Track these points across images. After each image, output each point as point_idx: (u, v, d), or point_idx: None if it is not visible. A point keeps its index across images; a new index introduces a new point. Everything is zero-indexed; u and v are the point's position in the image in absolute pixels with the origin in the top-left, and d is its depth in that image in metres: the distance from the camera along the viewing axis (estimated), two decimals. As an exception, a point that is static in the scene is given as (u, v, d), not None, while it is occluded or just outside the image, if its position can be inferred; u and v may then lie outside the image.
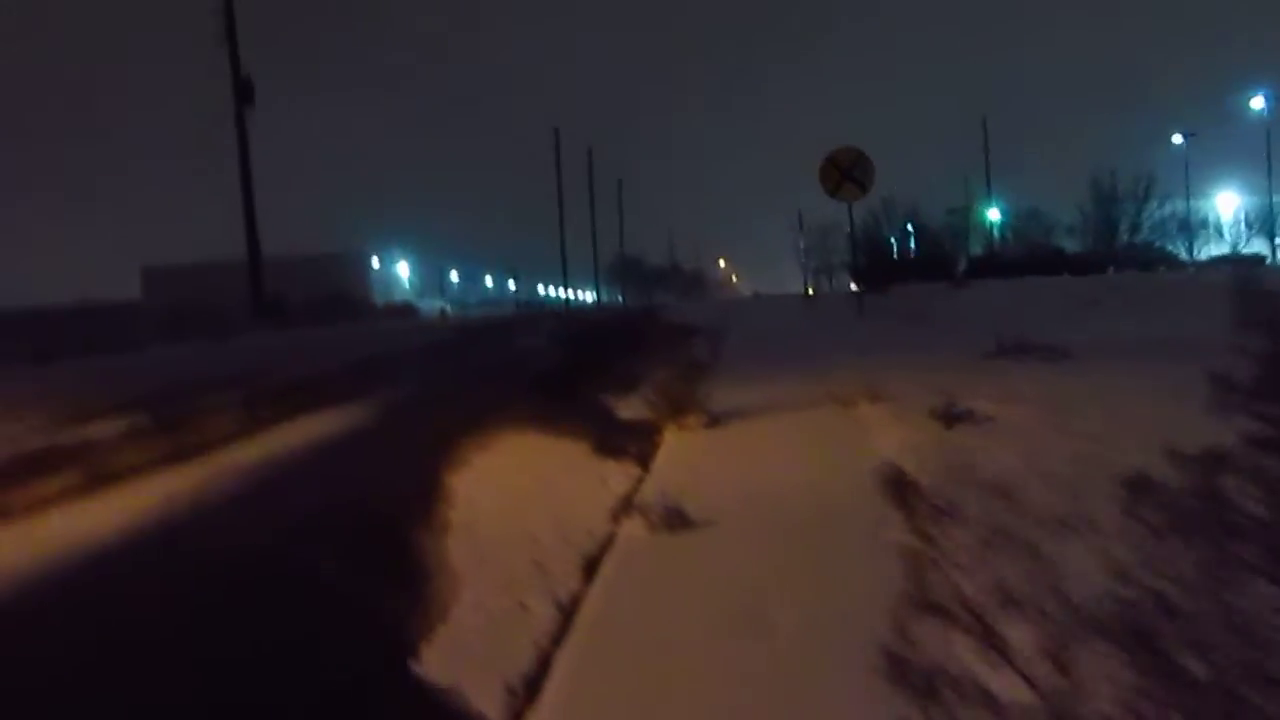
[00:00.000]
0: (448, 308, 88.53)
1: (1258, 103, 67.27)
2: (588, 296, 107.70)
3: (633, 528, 6.14)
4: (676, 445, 8.80)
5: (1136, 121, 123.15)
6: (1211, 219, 75.69)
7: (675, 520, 6.01)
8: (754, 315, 28.03)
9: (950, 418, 7.92)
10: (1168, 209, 68.49)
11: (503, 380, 15.09)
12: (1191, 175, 72.20)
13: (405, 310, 59.44)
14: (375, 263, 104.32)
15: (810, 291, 51.59)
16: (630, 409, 11.01)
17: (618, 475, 8.35)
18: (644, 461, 8.67)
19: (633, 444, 9.49)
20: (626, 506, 6.89)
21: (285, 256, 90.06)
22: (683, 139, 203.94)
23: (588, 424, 10.67)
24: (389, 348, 20.97)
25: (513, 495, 7.90)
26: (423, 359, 18.63)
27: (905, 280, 36.62)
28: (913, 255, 68.77)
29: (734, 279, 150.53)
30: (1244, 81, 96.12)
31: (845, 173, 19.73)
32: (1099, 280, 31.01)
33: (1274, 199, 68.90)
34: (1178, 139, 75.13)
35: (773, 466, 7.48)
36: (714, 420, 9.38)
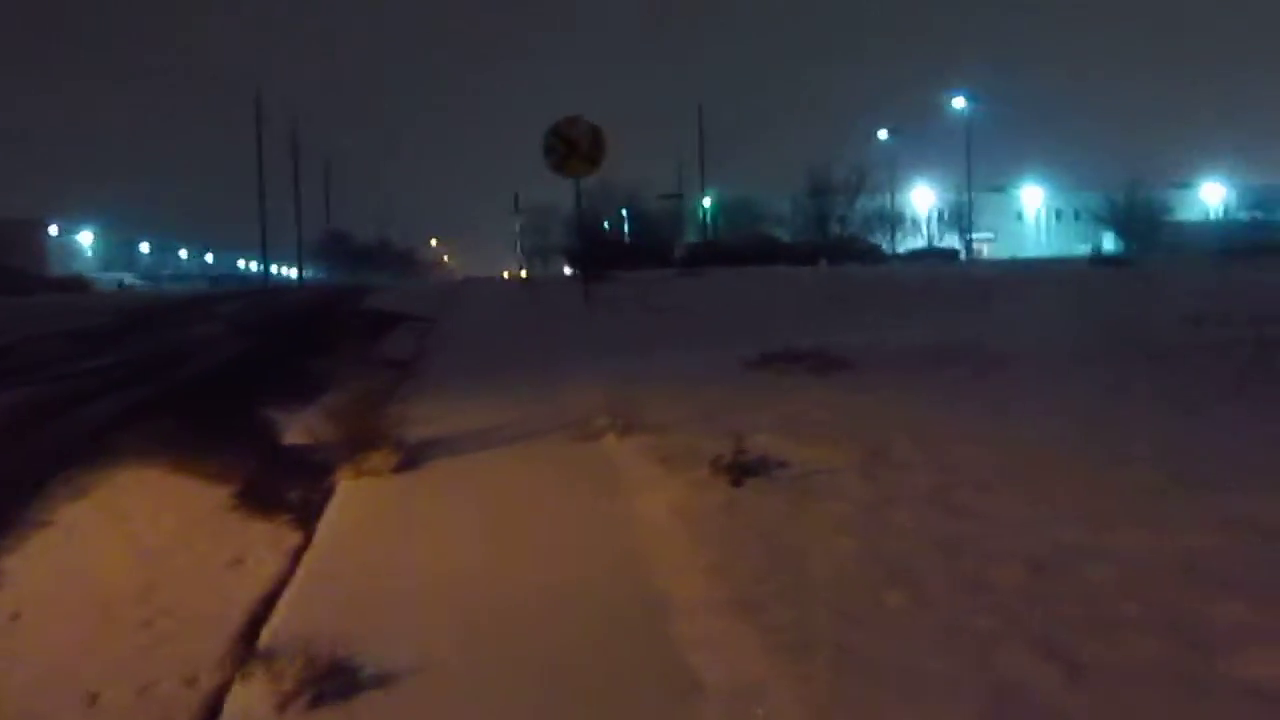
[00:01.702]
0: (126, 280, 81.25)
1: (959, 102, 69.85)
2: (292, 273, 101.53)
3: (254, 695, 3.55)
4: (354, 502, 6.18)
5: (846, 118, 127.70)
6: (909, 214, 78.51)
7: (334, 681, 3.49)
8: (468, 302, 25.38)
9: (737, 469, 5.69)
10: (875, 203, 70.22)
11: (155, 380, 11.88)
12: (892, 171, 74.55)
13: (75, 283, 53.00)
14: (53, 231, 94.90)
15: (525, 275, 49.29)
16: (303, 429, 8.28)
17: (263, 548, 5.72)
18: (307, 520, 6.05)
19: (297, 487, 6.85)
20: (260, 623, 4.33)
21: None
22: (396, 116, 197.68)
23: (241, 453, 7.91)
24: (22, 333, 17.15)
25: (91, 590, 5.13)
26: (61, 349, 15.04)
27: (624, 266, 34.96)
28: (628, 241, 67.73)
29: (445, 259, 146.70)
30: (947, 82, 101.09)
31: (573, 146, 17.39)
32: (830, 274, 30.10)
33: (968, 195, 71.83)
34: (883, 134, 77.44)
35: (491, 553, 5.00)
36: (409, 458, 6.82)
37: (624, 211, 73.27)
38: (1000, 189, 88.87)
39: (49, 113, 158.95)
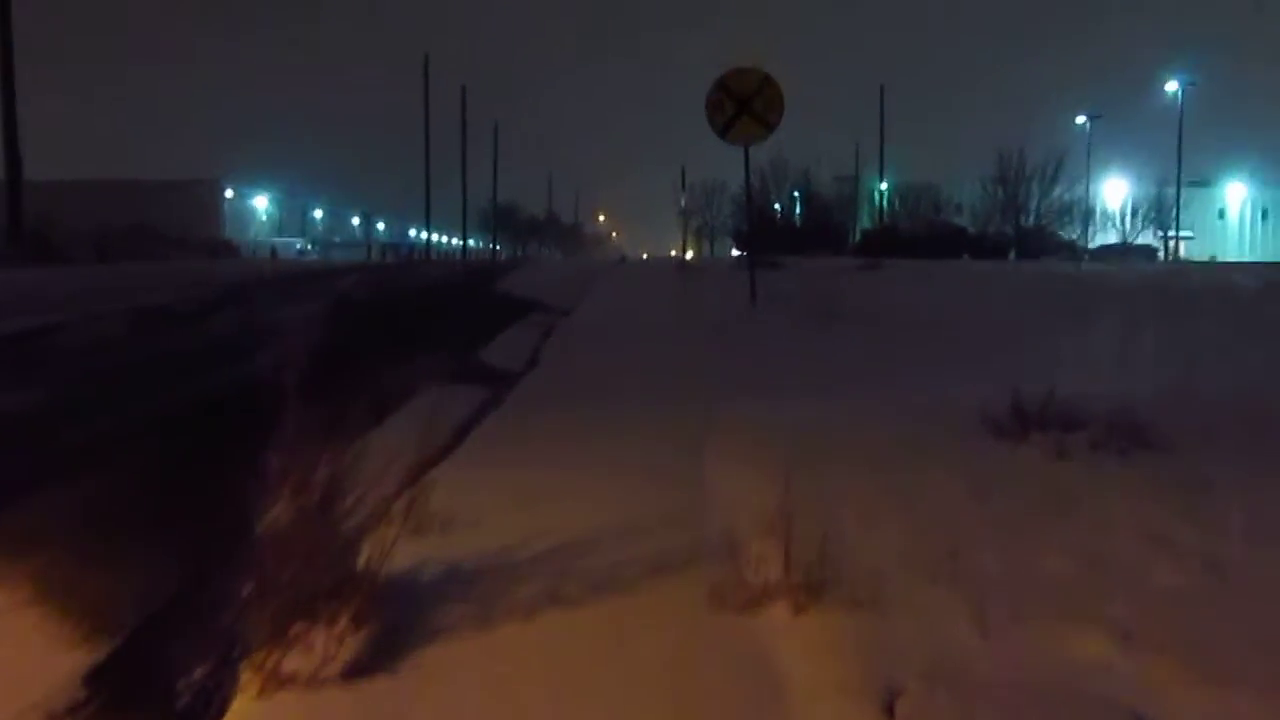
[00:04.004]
0: (298, 246, 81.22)
1: (1171, 86, 63.55)
2: (459, 243, 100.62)
3: None
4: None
5: (1035, 102, 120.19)
6: (1098, 206, 72.52)
7: None
8: (615, 290, 22.26)
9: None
10: (1071, 192, 64.60)
11: (153, 398, 8.75)
12: (1088, 160, 68.79)
13: (224, 248, 51.92)
14: (229, 194, 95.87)
15: (689, 256, 45.96)
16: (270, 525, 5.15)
17: None
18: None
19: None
20: None
21: (119, 180, 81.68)
22: (569, 87, 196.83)
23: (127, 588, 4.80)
24: (95, 307, 14.72)
25: None
26: (110, 335, 12.41)
27: (795, 251, 31.55)
28: (798, 224, 63.89)
29: (613, 235, 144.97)
30: (1143, 70, 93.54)
31: (743, 104, 14.02)
32: (1037, 273, 25.92)
33: (1176, 189, 65.62)
34: (1082, 120, 71.61)
35: None
36: (383, 637, 3.60)
37: (796, 193, 69.47)
38: (1202, 184, 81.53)
39: (228, 74, 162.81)
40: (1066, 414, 6.35)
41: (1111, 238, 69.09)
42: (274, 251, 59.92)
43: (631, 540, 4.57)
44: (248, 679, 3.29)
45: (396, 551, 3.92)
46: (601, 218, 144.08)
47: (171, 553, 4.52)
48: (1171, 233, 68.06)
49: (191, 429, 7.48)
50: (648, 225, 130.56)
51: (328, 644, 3.36)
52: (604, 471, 5.85)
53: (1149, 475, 5.35)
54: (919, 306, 14.51)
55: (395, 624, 3.64)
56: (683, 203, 44.54)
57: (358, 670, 3.35)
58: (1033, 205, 61.19)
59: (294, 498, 3.71)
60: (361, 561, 3.79)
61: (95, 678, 3.63)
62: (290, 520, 3.66)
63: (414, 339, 12.75)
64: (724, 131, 14.20)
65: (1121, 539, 4.36)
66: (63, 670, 3.66)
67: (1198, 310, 13.34)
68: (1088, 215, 68.31)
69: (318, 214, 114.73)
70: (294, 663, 3.30)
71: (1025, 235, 57.43)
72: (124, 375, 9.49)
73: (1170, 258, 63.54)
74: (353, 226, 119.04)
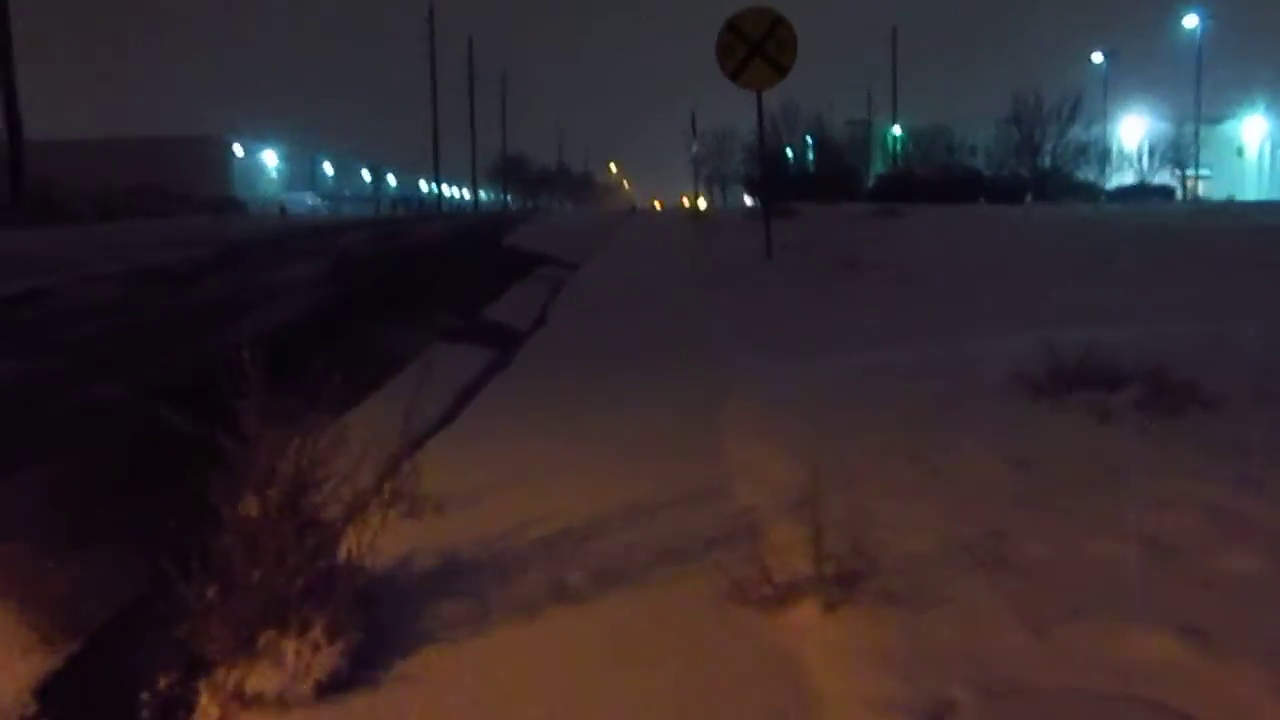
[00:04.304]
0: (309, 201, 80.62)
1: (1190, 21, 62.20)
2: (470, 196, 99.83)
3: None
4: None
5: (1049, 42, 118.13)
6: (1115, 146, 71.23)
7: None
8: (625, 242, 21.79)
9: None
10: (1088, 133, 63.37)
11: (129, 369, 8.18)
12: (1105, 99, 67.62)
13: (230, 204, 51.38)
14: (238, 150, 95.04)
15: (702, 205, 45.18)
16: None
17: None
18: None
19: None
20: None
21: (125, 138, 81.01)
22: (577, 32, 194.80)
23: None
24: (87, 269, 14.31)
25: None
26: (101, 298, 11.91)
27: (809, 198, 30.90)
28: (812, 169, 63.00)
29: (625, 184, 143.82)
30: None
31: (755, 47, 13.46)
32: (1057, 215, 25.32)
33: (1195, 126, 64.42)
34: (1098, 57, 70.32)
35: None
36: (368, 646, 3.23)
37: (808, 138, 68.50)
38: (1219, 120, 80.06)
39: (232, 30, 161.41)
40: (1105, 369, 5.93)
41: (1129, 178, 67.92)
42: (283, 209, 59.34)
43: (643, 522, 4.19)
44: (206, 701, 2.93)
45: (385, 539, 3.55)
46: (613, 167, 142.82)
47: (136, 546, 4.14)
48: (1190, 172, 66.86)
49: (179, 400, 7.09)
50: (659, 174, 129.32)
51: (300, 655, 2.99)
52: (614, 443, 5.46)
53: (1202, 439, 4.94)
54: (941, 254, 13.99)
55: (380, 628, 3.26)
56: (694, 150, 43.58)
57: (335, 685, 2.98)
58: (1049, 146, 60.07)
59: (261, 488, 3.34)
60: (343, 555, 3.42)
61: (47, 691, 3.28)
62: (258, 514, 3.29)
63: (418, 297, 12.35)
64: (735, 75, 13.65)
65: (1180, 515, 3.96)
66: (18, 680, 3.31)
67: (1229, 257, 12.82)
68: (1104, 155, 67.13)
69: (327, 168, 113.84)
70: (261, 679, 2.93)
71: (1042, 177, 56.43)
72: (105, 344, 9.04)
73: (1189, 198, 62.49)
74: (363, 180, 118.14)
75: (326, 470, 3.45)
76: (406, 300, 11.96)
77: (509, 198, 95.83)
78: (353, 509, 3.54)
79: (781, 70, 13.60)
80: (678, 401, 6.40)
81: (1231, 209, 30.87)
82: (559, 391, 7.00)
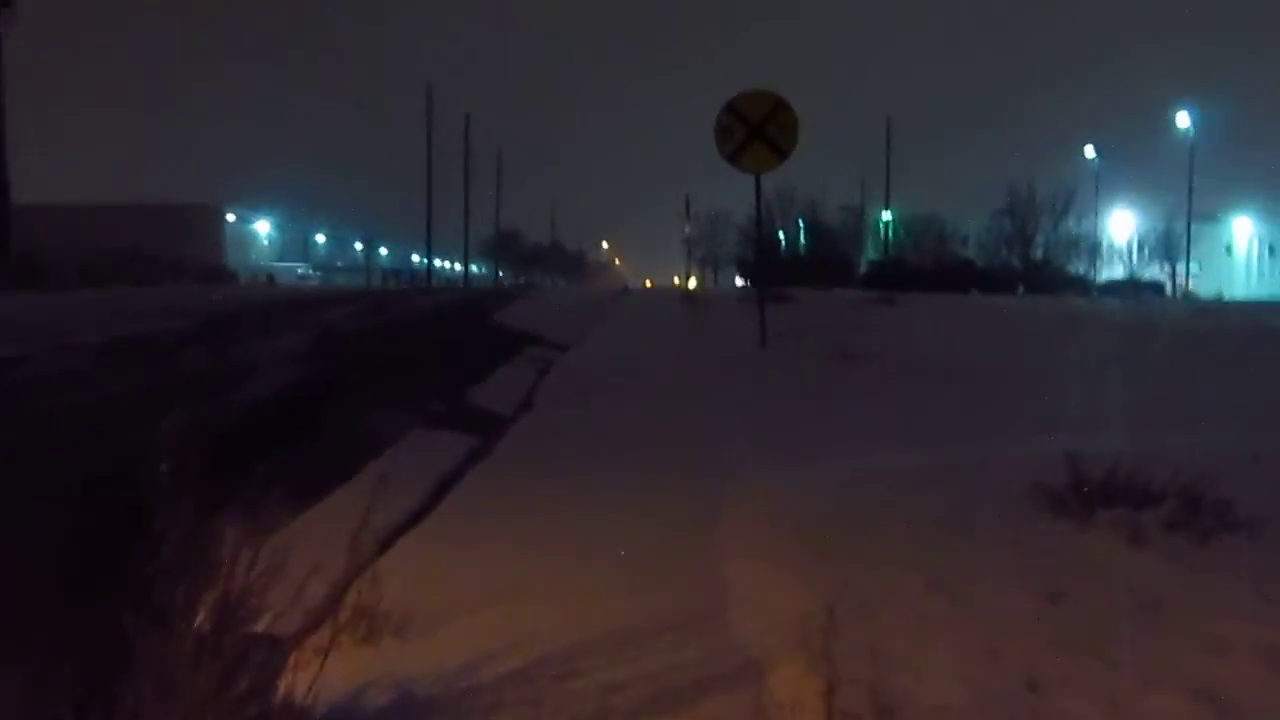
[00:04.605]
0: (300, 271, 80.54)
1: (1183, 119, 62.75)
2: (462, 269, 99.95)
3: None
4: None
5: (1040, 137, 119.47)
6: (1105, 240, 71.66)
7: None
8: (617, 323, 21.40)
9: None
10: (1079, 226, 63.77)
11: (80, 460, 7.64)
12: (1096, 194, 68.10)
13: (221, 274, 51.05)
14: (231, 219, 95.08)
15: (693, 285, 44.93)
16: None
17: None
18: None
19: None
20: None
21: (120, 205, 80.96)
22: (571, 113, 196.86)
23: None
24: (65, 339, 13.84)
25: None
26: (71, 371, 11.44)
27: (801, 282, 30.75)
28: (805, 254, 63.07)
29: (617, 262, 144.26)
30: (1153, 101, 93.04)
31: (755, 129, 13.19)
32: (1058, 310, 25.03)
33: (1187, 223, 64.80)
34: (1090, 152, 70.91)
35: None
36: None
37: (801, 222, 68.73)
38: (1210, 218, 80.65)
39: (230, 101, 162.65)
40: (1131, 483, 5.48)
41: (1118, 271, 68.13)
42: (271, 278, 59.03)
43: (629, 656, 3.69)
44: None
45: (334, 672, 3.07)
46: (605, 245, 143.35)
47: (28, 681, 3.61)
48: (1180, 268, 67.12)
49: (110, 498, 6.58)
50: (651, 253, 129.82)
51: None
52: (598, 556, 4.96)
53: (1245, 568, 4.48)
54: (941, 347, 13.60)
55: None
56: (687, 231, 43.56)
57: None
58: (1042, 239, 60.33)
59: (182, 618, 2.85)
60: (278, 699, 2.92)
61: None
62: (177, 651, 2.79)
63: (401, 376, 11.91)
64: (733, 158, 13.35)
65: (1237, 664, 3.49)
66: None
67: (1239, 357, 12.44)
68: (1095, 249, 67.43)
69: (320, 239, 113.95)
70: None
71: (1034, 269, 56.54)
72: (58, 422, 8.52)
73: (1181, 294, 62.61)
74: (356, 251, 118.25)
75: (262, 599, 2.95)
76: (388, 380, 11.52)
77: (500, 273, 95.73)
78: (297, 639, 3.07)
79: (782, 154, 13.31)
80: (668, 507, 5.92)
81: (1231, 308, 30.69)
82: (540, 491, 6.51)
